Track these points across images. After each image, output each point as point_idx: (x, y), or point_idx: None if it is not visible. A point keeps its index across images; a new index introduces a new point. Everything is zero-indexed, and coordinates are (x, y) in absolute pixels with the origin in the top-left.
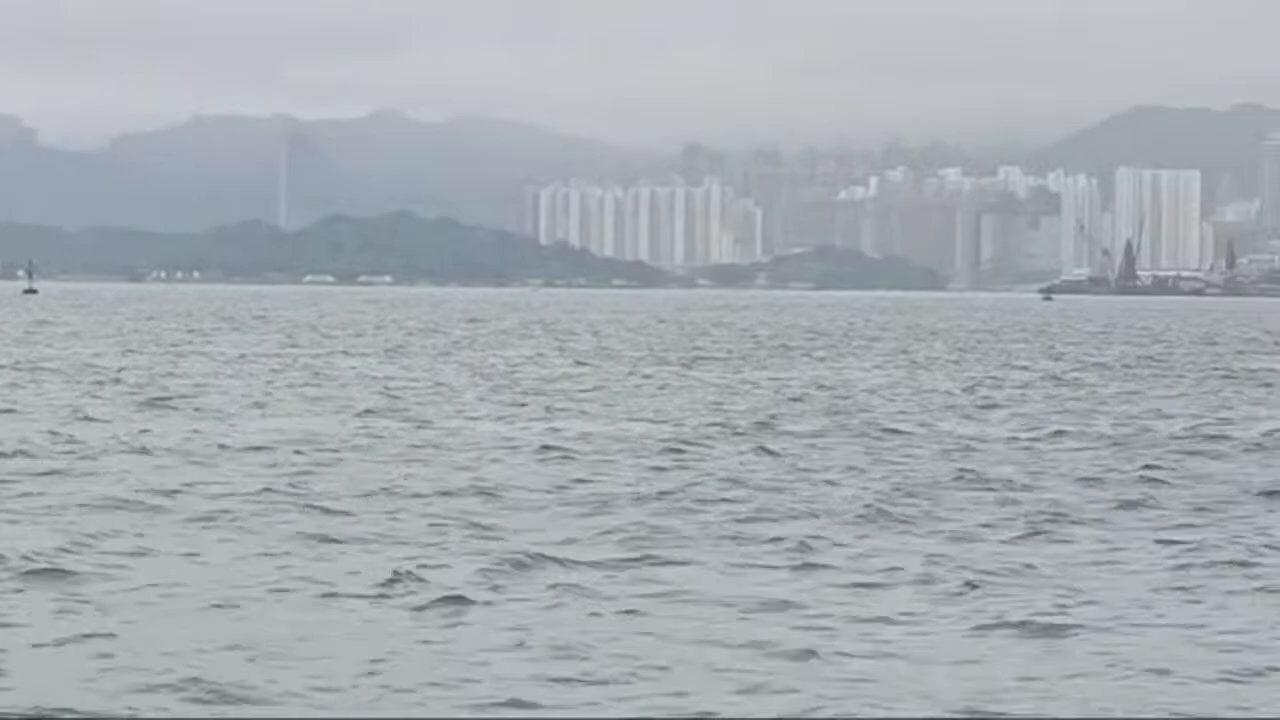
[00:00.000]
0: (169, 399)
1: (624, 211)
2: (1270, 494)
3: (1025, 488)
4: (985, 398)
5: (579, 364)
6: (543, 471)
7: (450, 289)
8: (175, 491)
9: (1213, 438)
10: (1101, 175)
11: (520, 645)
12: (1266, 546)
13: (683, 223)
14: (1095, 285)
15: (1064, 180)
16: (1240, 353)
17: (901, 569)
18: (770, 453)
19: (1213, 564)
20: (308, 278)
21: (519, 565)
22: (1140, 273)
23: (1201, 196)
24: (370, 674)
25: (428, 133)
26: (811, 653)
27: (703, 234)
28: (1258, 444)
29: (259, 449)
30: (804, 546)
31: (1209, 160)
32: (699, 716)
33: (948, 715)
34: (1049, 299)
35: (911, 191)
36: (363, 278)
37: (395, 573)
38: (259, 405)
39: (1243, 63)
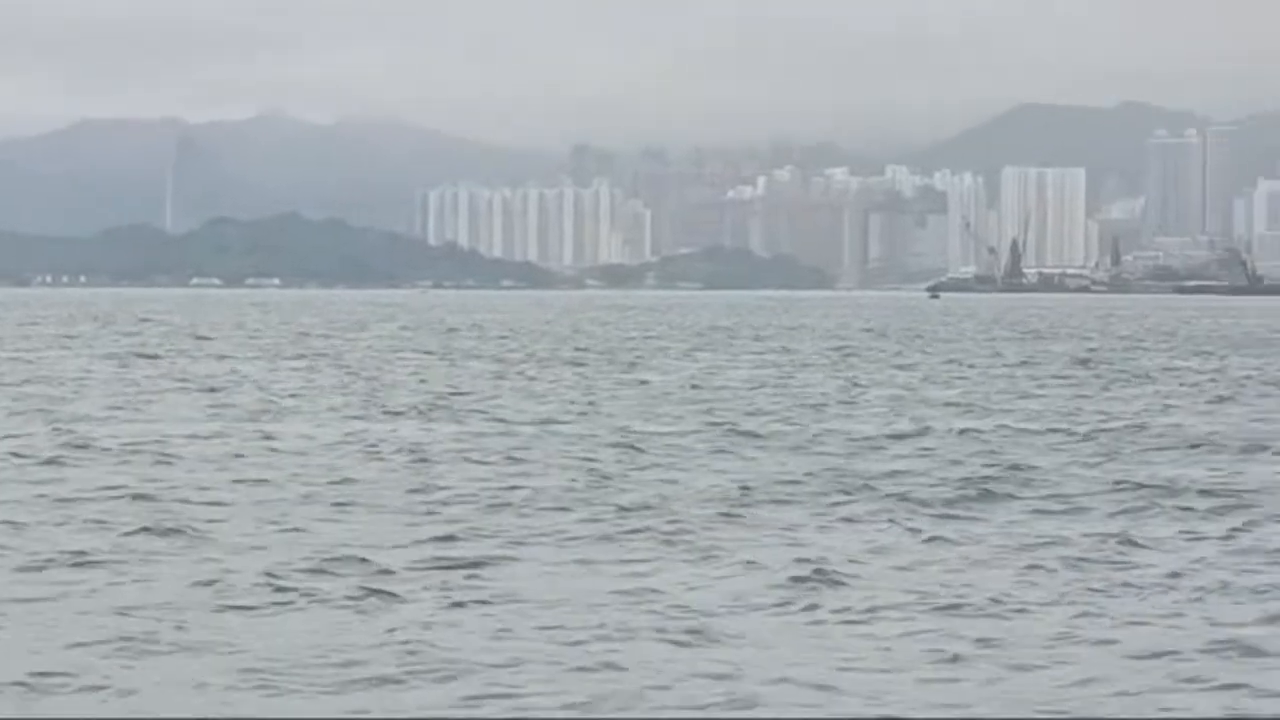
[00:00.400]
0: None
1: (513, 212)
2: (1117, 489)
3: (890, 480)
4: (854, 397)
5: (454, 365)
6: (389, 475)
7: (339, 291)
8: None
9: (1054, 429)
10: (987, 174)
11: (316, 647)
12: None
13: (571, 223)
14: (982, 283)
15: (950, 179)
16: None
17: (755, 562)
18: (637, 449)
19: (1057, 557)
20: (194, 281)
21: (332, 565)
22: (1026, 270)
23: (1086, 194)
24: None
25: (316, 134)
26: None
27: (591, 235)
28: (1106, 433)
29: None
30: (664, 541)
31: (1094, 158)
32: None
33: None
34: (936, 297)
35: (799, 191)
36: (250, 280)
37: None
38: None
39: (1126, 61)
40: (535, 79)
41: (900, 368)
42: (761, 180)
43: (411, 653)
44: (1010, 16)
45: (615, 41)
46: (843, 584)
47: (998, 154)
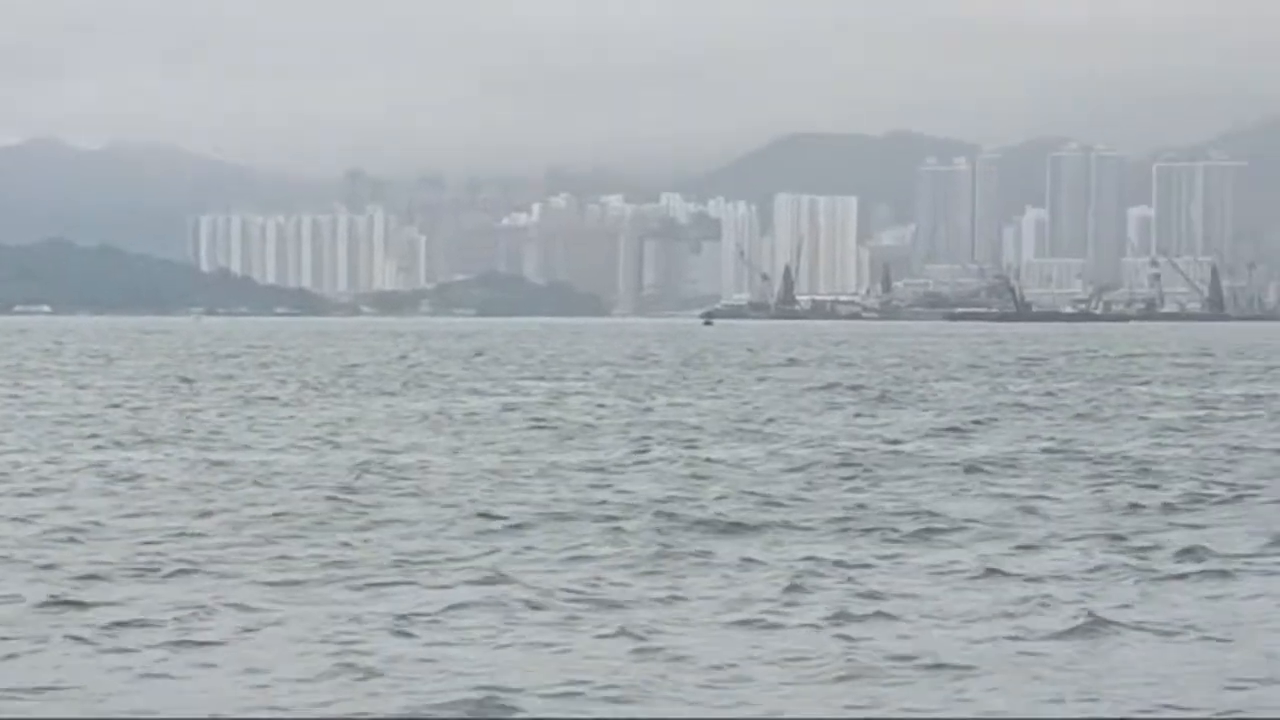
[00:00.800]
0: None
1: (286, 238)
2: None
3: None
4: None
5: (194, 392)
6: (85, 504)
7: (110, 318)
8: None
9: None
10: (761, 201)
11: None
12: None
13: (345, 250)
14: (755, 309)
15: (724, 206)
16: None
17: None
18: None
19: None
20: None
21: None
22: (799, 297)
23: (858, 222)
24: None
25: (87, 160)
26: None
27: (366, 261)
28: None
29: None
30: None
31: (865, 186)
32: None
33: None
34: (709, 324)
35: (574, 218)
36: (19, 307)
37: None
38: None
39: (897, 89)
40: (310, 106)
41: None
42: (536, 207)
43: None
44: (782, 45)
45: (388, 69)
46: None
47: (771, 181)
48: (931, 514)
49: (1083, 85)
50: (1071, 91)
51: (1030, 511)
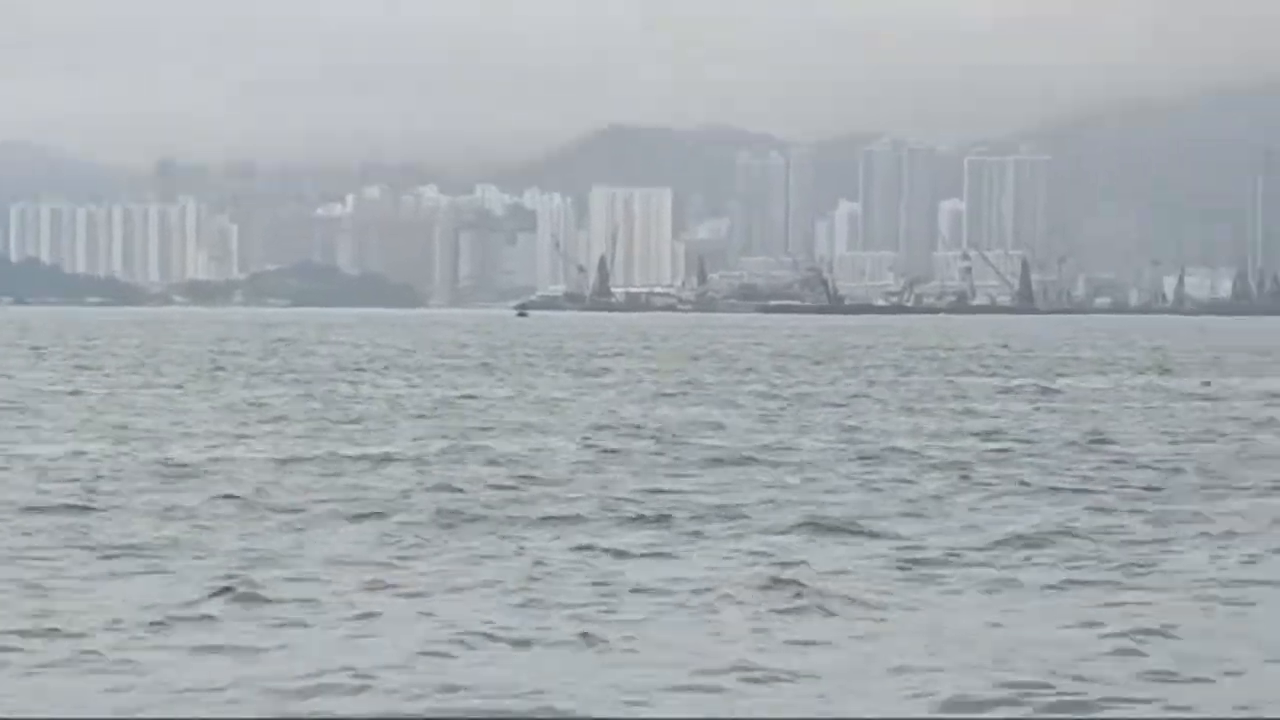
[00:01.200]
0: None
1: (97, 227)
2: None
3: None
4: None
5: None
6: None
7: None
8: None
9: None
10: (576, 193)
11: None
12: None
13: (157, 239)
14: (571, 301)
15: (540, 198)
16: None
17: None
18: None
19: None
20: None
21: None
22: (614, 289)
23: (673, 215)
24: None
25: None
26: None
27: (179, 251)
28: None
29: None
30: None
31: (681, 179)
32: None
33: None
34: (524, 315)
35: (389, 209)
36: None
37: None
38: None
39: (712, 82)
40: (120, 94)
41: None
42: (350, 198)
43: None
44: (598, 39)
45: (199, 57)
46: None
47: (586, 174)
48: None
49: (895, 80)
50: (884, 87)
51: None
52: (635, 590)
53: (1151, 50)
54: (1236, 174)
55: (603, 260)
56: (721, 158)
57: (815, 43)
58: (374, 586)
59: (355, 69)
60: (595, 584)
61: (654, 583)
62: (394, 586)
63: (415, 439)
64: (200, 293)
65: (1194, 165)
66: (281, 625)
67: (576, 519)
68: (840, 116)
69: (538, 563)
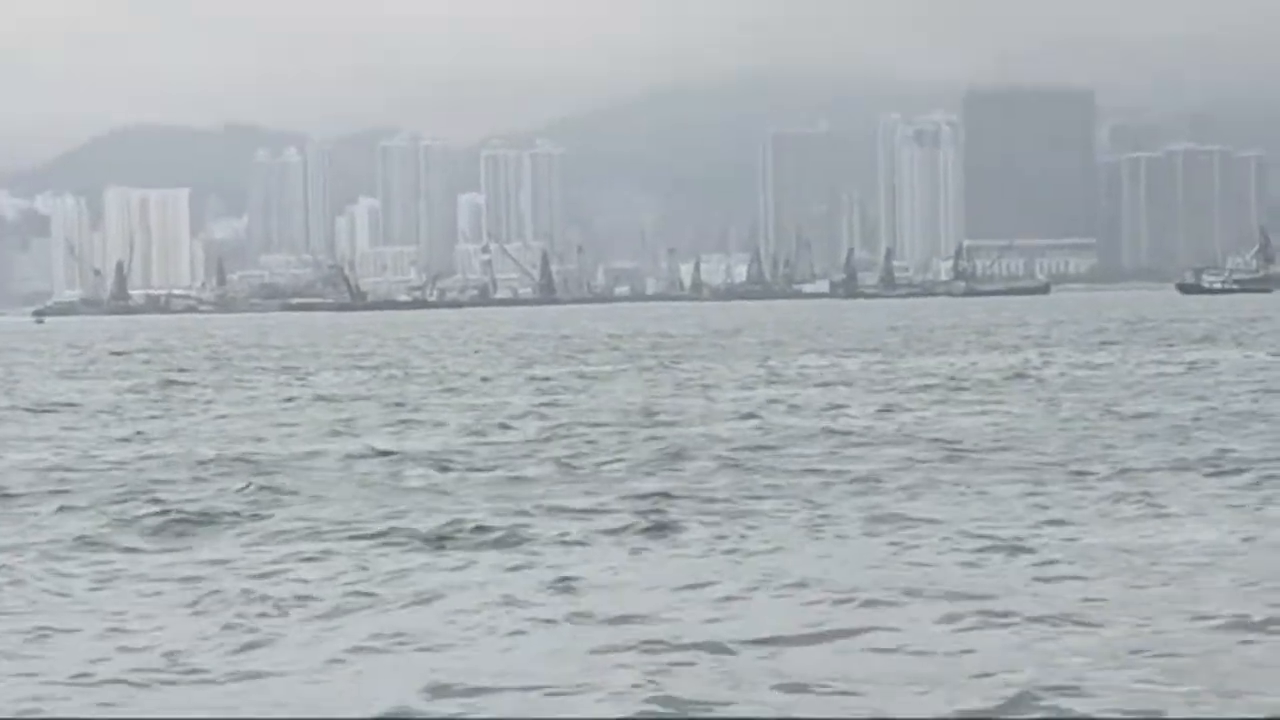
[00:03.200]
0: None
1: None
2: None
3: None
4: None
5: None
6: None
7: None
8: None
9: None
10: (91, 195)
11: None
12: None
13: None
14: (89, 306)
15: (53, 201)
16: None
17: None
18: None
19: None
20: None
21: None
22: (133, 292)
23: (191, 215)
24: None
25: None
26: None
27: None
28: None
29: None
30: None
31: (199, 179)
32: None
33: None
34: (41, 321)
35: None
36: None
37: None
38: None
39: (227, 82)
40: None
41: None
42: None
43: None
44: (108, 34)
45: None
46: None
47: (100, 175)
48: None
49: (411, 76)
50: (401, 82)
51: None
52: None
53: (664, 40)
54: (749, 160)
55: (120, 264)
56: (241, 156)
57: (334, 40)
58: None
59: None
60: None
61: None
62: None
63: None
64: None
65: (707, 153)
66: None
67: None
68: (357, 115)
69: None
